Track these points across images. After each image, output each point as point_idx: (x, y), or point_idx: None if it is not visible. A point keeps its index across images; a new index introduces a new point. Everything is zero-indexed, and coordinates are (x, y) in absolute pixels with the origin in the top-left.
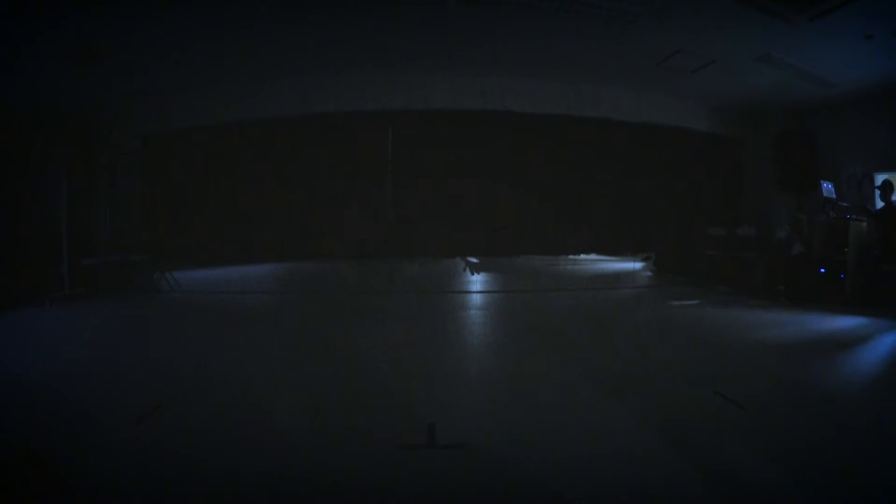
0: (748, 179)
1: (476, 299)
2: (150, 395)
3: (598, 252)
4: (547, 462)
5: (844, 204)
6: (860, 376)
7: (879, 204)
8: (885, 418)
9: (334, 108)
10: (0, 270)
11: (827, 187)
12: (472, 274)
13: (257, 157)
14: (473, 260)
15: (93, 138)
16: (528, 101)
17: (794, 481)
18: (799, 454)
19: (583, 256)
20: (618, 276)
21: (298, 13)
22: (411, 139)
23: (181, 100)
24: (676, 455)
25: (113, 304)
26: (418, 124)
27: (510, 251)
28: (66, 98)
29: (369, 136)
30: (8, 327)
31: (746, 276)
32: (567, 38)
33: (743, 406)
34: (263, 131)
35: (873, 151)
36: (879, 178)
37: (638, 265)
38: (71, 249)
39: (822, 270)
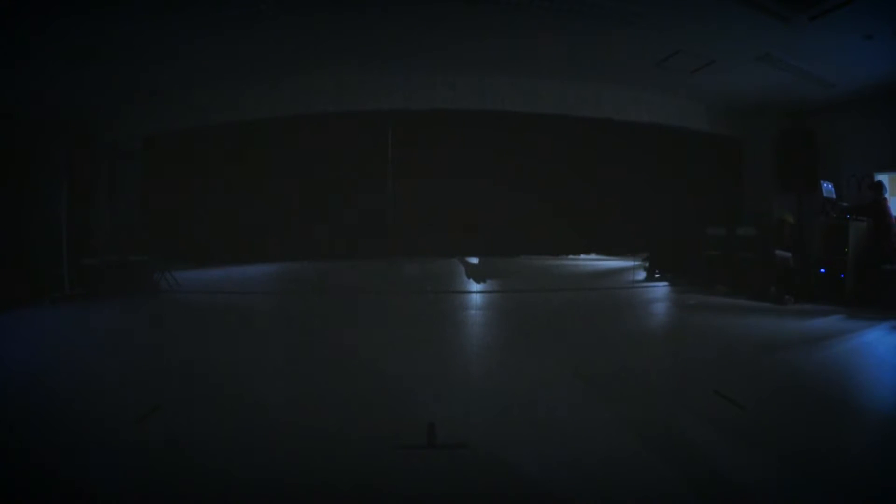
0: (748, 179)
1: (476, 299)
2: (149, 396)
3: (598, 252)
4: (548, 462)
5: (845, 204)
6: (855, 377)
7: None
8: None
9: (334, 108)
10: (0, 270)
11: (827, 187)
12: (470, 279)
13: (257, 157)
14: (473, 260)
15: (93, 138)
16: (528, 101)
17: (796, 484)
18: (800, 457)
19: (583, 256)
20: (617, 276)
21: (298, 13)
22: (411, 139)
23: (181, 100)
24: (678, 455)
25: (113, 304)
26: (418, 124)
27: (509, 251)
28: (66, 98)
29: (369, 136)
30: (8, 327)
31: (746, 276)
32: (567, 38)
33: (743, 406)
34: (263, 131)
35: (873, 151)
36: (879, 178)
37: (637, 265)
38: (71, 249)
39: (822, 270)
